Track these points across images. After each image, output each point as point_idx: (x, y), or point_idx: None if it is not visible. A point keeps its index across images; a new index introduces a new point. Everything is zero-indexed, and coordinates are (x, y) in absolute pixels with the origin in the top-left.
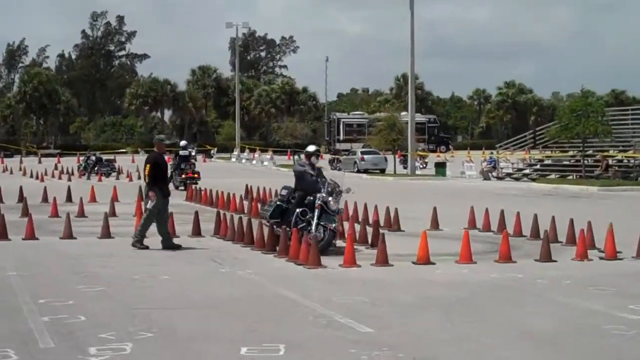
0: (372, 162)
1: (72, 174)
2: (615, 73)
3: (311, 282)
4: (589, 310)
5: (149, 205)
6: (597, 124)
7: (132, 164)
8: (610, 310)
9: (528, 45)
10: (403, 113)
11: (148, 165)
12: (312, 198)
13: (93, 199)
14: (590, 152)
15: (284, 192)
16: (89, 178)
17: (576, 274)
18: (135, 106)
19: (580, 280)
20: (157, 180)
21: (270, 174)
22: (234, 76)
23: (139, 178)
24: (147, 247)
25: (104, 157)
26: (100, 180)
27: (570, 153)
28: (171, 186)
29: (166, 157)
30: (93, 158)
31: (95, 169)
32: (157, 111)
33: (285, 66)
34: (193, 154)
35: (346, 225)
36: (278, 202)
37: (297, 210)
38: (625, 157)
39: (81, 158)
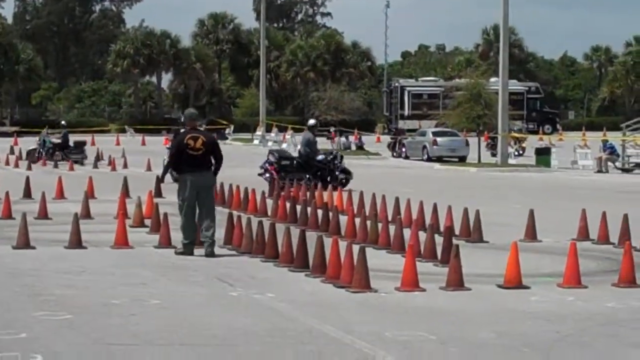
0: (448, 147)
1: (32, 159)
2: None
3: (356, 312)
4: None
5: None
6: None
7: (117, 146)
8: None
9: None
10: (493, 79)
11: None
12: None
13: (60, 195)
14: None
15: None
16: (44, 164)
17: None
18: (122, 68)
19: None
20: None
21: None
22: (259, 28)
23: (125, 166)
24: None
25: (73, 138)
26: (71, 169)
27: None
28: (168, 177)
29: (163, 139)
30: (51, 139)
31: (56, 153)
32: (152, 75)
33: (329, 14)
34: None
35: (407, 232)
36: None
37: None
38: None
39: (35, 138)
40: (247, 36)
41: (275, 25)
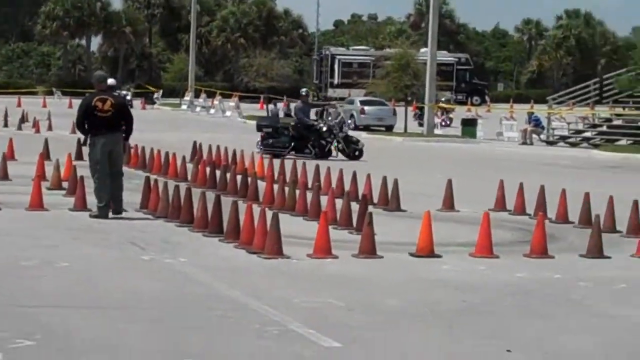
0: (375, 116)
1: None
2: None
3: (267, 278)
4: None
5: None
6: None
7: (43, 108)
8: None
9: None
10: (423, 50)
11: None
12: None
13: None
14: None
15: None
16: None
17: (637, 275)
18: (51, 30)
19: None
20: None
21: (232, 127)
22: None
23: (50, 129)
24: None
25: None
26: None
27: None
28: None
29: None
30: None
31: None
32: (82, 37)
33: None
34: (128, 98)
35: (324, 200)
36: None
37: None
38: None
39: None
40: (179, 1)
41: None
